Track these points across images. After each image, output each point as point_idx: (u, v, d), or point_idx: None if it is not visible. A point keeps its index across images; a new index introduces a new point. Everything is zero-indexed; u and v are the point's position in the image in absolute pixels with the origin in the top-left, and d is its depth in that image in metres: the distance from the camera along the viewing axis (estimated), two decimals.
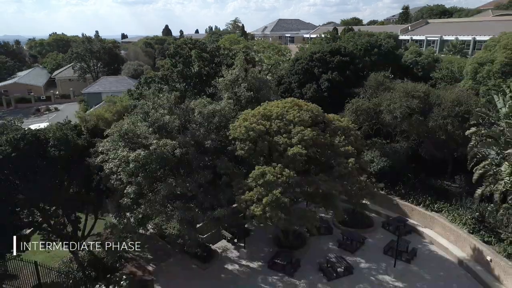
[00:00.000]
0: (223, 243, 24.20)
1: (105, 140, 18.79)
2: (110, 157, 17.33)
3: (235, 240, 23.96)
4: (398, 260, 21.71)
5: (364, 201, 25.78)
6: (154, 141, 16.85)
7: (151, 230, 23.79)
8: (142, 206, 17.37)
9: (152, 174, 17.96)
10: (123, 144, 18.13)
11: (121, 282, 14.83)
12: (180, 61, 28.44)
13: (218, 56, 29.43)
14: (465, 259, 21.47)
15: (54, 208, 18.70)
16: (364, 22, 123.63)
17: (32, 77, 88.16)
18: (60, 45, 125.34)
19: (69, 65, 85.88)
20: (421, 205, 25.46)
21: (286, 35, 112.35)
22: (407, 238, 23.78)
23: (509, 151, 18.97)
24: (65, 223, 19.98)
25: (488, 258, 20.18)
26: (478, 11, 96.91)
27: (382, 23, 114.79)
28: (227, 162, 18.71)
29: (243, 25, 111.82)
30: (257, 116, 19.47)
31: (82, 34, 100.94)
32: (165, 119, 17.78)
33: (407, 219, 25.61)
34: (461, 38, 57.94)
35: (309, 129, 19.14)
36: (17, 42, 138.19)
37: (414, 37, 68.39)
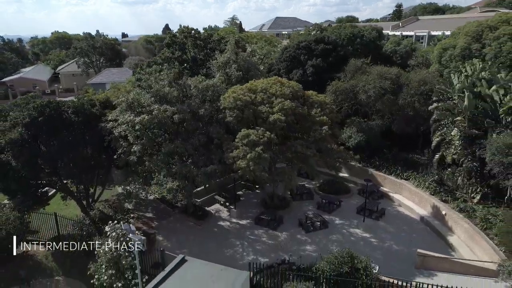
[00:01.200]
0: (216, 206, 27.54)
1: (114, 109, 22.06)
2: (119, 121, 20.59)
3: (227, 203, 27.26)
4: (368, 218, 25.00)
5: (343, 174, 29.32)
6: (156, 106, 20.12)
7: (154, 195, 27.15)
8: (147, 163, 20.66)
9: (154, 138, 21.27)
10: (129, 112, 21.40)
11: (129, 220, 18.00)
12: (177, 48, 31.79)
13: (210, 42, 32.76)
14: (425, 216, 24.75)
15: (71, 167, 21.92)
16: (362, 21, 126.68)
17: (36, 72, 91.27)
18: (62, 43, 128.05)
19: (72, 61, 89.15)
20: (392, 174, 28.74)
21: (283, 32, 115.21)
22: (379, 201, 27.07)
23: (458, 118, 22.24)
24: (79, 181, 23.24)
25: (443, 212, 23.46)
26: (468, 8, 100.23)
27: (377, 21, 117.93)
28: (218, 128, 22.01)
29: (240, 22, 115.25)
30: (244, 90, 22.78)
31: (83, 33, 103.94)
32: (165, 90, 21.06)
33: (380, 186, 28.87)
34: (447, 33, 60.77)
35: (289, 100, 22.42)
36: (20, 40, 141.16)
37: (404, 33, 71.24)
